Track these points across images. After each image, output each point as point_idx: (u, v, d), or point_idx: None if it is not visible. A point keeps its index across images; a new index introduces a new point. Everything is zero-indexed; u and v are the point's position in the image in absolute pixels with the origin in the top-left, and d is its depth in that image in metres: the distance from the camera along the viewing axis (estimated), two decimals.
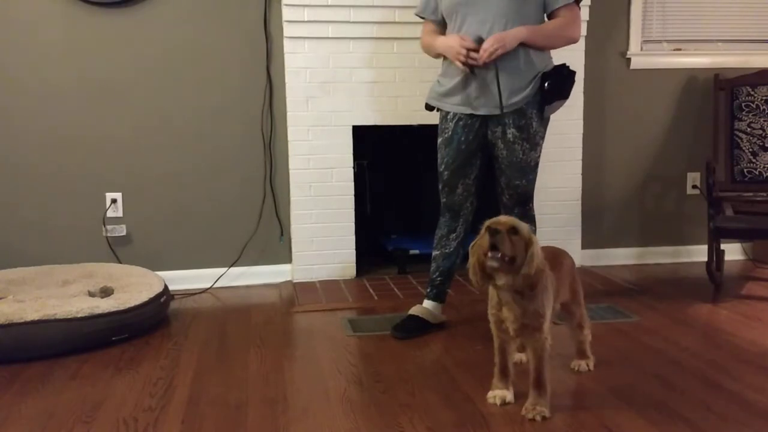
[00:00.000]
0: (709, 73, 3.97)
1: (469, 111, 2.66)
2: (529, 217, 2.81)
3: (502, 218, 1.91)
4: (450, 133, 2.72)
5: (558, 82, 2.63)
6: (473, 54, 2.54)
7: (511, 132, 2.65)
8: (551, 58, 2.71)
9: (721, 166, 3.82)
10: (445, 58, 2.72)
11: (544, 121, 2.72)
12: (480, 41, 2.55)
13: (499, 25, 2.57)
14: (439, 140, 2.77)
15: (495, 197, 2.84)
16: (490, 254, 1.86)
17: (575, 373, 2.37)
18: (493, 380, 2.12)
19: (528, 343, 2.02)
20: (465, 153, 2.71)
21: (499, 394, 2.09)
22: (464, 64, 2.57)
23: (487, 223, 1.90)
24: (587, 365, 2.37)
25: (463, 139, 2.69)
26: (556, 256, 2.19)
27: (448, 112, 2.73)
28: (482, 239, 1.89)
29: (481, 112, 2.65)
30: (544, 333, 1.99)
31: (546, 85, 2.61)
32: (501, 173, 2.73)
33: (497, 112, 2.62)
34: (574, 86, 2.69)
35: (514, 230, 1.88)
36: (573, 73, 2.66)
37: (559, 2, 2.64)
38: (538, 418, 1.98)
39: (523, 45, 2.58)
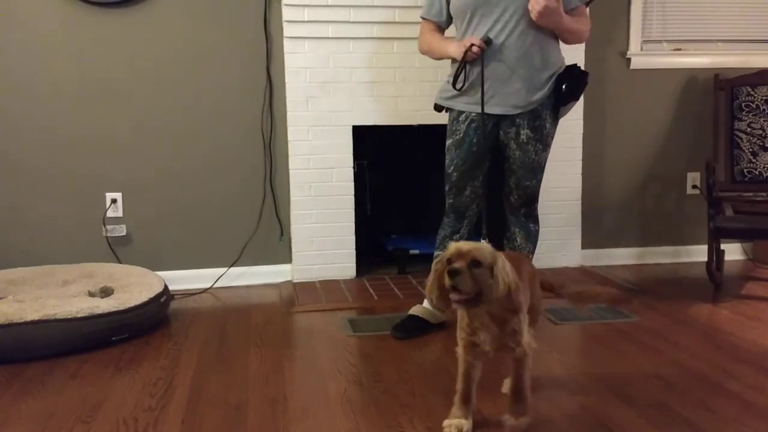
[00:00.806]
0: (709, 73, 3.97)
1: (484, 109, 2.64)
2: (534, 217, 2.82)
3: (463, 248, 1.76)
4: (461, 135, 2.69)
5: (572, 84, 2.62)
6: (474, 49, 2.53)
7: (524, 133, 2.64)
8: (564, 58, 2.70)
9: (721, 166, 3.82)
10: (453, 60, 2.71)
11: (556, 122, 2.72)
12: (488, 41, 2.54)
13: (518, 24, 2.56)
14: (449, 142, 2.74)
15: (493, 198, 2.84)
16: (452, 295, 1.75)
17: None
18: (452, 408, 1.97)
19: (509, 358, 1.94)
20: (476, 155, 2.69)
21: (455, 423, 1.93)
22: (464, 55, 2.56)
23: (449, 254, 1.77)
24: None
25: (475, 141, 2.68)
26: (515, 263, 2.00)
27: (460, 114, 2.69)
28: (443, 273, 1.76)
29: (496, 110, 2.63)
30: (523, 347, 1.90)
31: (564, 87, 2.61)
32: (511, 174, 2.73)
33: (513, 112, 2.62)
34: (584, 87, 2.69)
35: (475, 263, 1.73)
36: (585, 74, 2.67)
37: (572, 4, 2.65)
38: (523, 427, 1.92)
39: (538, 43, 2.58)
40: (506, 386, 2.25)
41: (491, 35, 2.56)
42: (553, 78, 2.63)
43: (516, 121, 2.64)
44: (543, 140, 2.67)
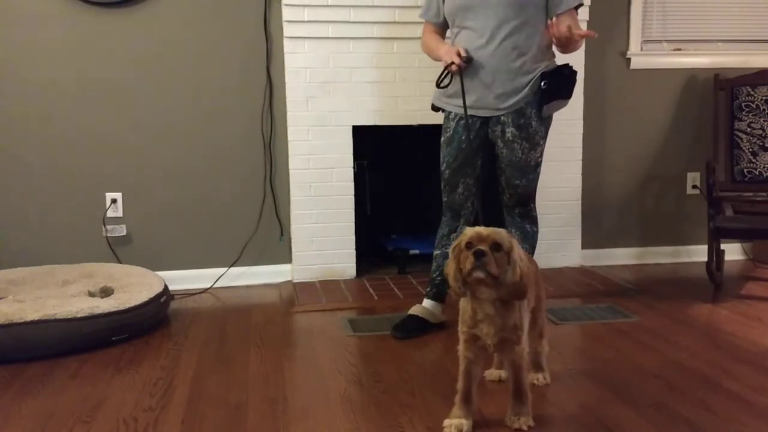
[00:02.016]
0: (709, 73, 3.97)
1: (470, 112, 2.67)
2: (531, 218, 2.82)
3: (483, 232, 1.82)
4: (451, 132, 2.74)
5: (557, 82, 2.63)
6: (453, 68, 2.61)
7: (510, 131, 2.66)
8: (554, 56, 2.71)
9: (721, 166, 3.82)
10: None
11: (544, 121, 2.72)
12: (469, 60, 2.61)
13: (499, 29, 2.59)
14: (442, 139, 2.78)
15: (495, 197, 2.85)
16: (477, 273, 1.79)
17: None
18: (453, 408, 1.97)
19: (506, 356, 1.97)
20: (465, 152, 2.71)
21: (455, 423, 1.93)
22: (446, 66, 2.65)
23: (468, 237, 1.82)
24: (544, 378, 2.27)
25: (463, 138, 2.70)
26: None
27: (450, 112, 2.75)
28: (465, 257, 1.81)
29: (482, 113, 2.67)
30: (522, 344, 1.93)
31: (543, 84, 2.62)
32: (501, 172, 2.74)
33: (495, 114, 2.65)
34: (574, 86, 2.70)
35: (496, 246, 1.81)
36: (574, 72, 2.67)
37: (560, 8, 2.65)
38: (524, 427, 1.94)
39: (520, 48, 2.60)
40: (492, 375, 2.29)
41: (473, 41, 2.62)
42: (536, 78, 2.64)
43: (501, 119, 2.67)
44: (529, 139, 2.68)
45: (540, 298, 2.15)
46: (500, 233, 1.84)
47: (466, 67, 2.62)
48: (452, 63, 2.62)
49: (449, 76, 2.68)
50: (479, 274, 1.79)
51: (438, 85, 2.73)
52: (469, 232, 1.84)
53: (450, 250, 1.90)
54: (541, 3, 2.64)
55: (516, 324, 1.90)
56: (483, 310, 1.89)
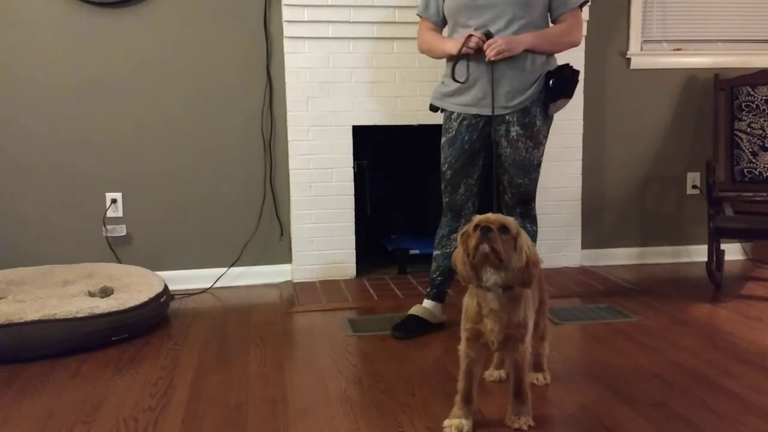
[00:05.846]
0: (709, 73, 3.97)
1: (474, 111, 2.66)
2: (531, 217, 2.82)
3: (491, 216, 1.87)
4: (454, 132, 2.72)
5: (561, 81, 2.63)
6: (472, 42, 2.54)
7: (515, 130, 2.65)
8: (555, 58, 2.71)
9: (721, 166, 3.82)
10: (449, 59, 2.72)
11: (548, 120, 2.72)
12: (489, 35, 2.56)
13: (505, 28, 2.58)
14: (443, 140, 2.76)
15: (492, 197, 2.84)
16: (483, 246, 1.81)
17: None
18: (453, 408, 1.96)
19: (509, 355, 1.96)
20: (468, 153, 2.71)
21: (455, 423, 1.92)
22: (461, 48, 2.57)
23: (476, 221, 1.85)
24: (544, 378, 2.27)
25: (466, 138, 2.69)
26: None
27: (452, 112, 2.73)
28: (472, 237, 1.84)
29: (487, 112, 2.65)
30: (526, 344, 1.93)
31: (551, 83, 2.62)
32: (504, 172, 2.73)
33: (502, 112, 2.63)
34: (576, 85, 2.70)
35: (504, 229, 1.84)
36: (576, 72, 2.67)
37: (565, 7, 2.65)
38: (524, 427, 1.94)
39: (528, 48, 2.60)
40: (492, 376, 2.29)
41: (487, 30, 2.58)
42: (542, 77, 2.64)
43: (506, 118, 2.66)
44: (534, 138, 2.68)
45: (543, 301, 2.16)
46: (508, 219, 1.87)
47: (482, 39, 2.54)
48: (470, 37, 2.54)
49: (465, 63, 2.61)
50: (484, 248, 1.81)
51: (454, 78, 2.63)
52: (479, 217, 1.87)
53: (458, 236, 1.91)
54: (546, 2, 2.64)
55: (521, 321, 1.90)
56: (488, 305, 1.89)
